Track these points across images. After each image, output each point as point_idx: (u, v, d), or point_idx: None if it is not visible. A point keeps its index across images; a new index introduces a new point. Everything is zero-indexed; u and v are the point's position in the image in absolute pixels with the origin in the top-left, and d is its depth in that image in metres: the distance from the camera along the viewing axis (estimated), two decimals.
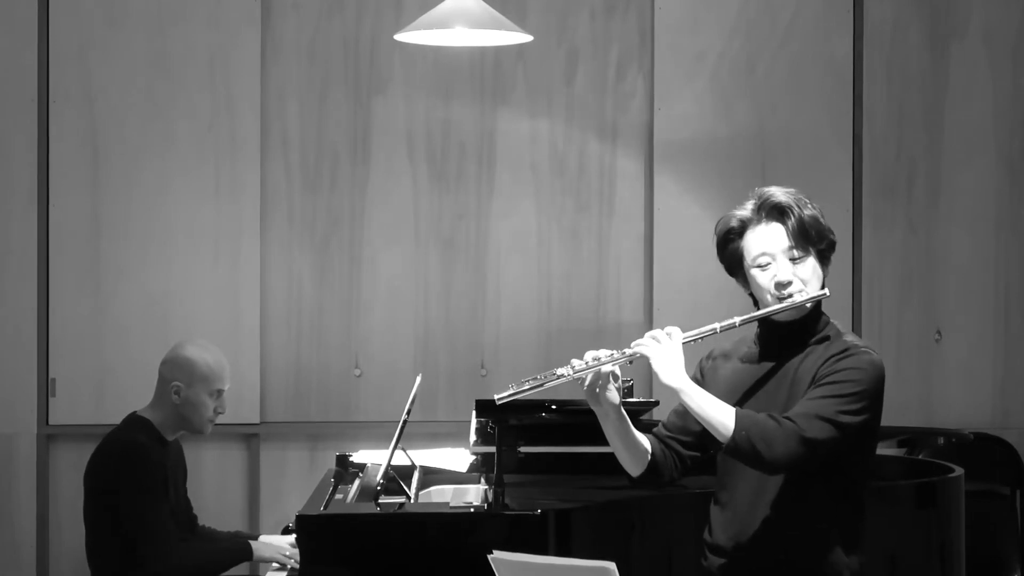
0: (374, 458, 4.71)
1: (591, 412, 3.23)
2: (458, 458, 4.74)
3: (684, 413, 3.21)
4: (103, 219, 5.60)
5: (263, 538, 4.71)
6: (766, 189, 3.23)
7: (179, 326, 5.50)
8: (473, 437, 4.51)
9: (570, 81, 5.80)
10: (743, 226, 3.22)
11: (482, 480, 4.67)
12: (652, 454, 3.26)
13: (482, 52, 5.71)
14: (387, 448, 4.32)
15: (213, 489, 5.60)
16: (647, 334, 3.16)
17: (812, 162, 5.80)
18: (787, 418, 3.07)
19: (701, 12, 5.80)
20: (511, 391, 3.18)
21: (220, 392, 4.56)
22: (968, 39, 5.87)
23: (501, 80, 5.78)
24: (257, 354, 5.64)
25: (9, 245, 5.56)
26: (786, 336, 3.21)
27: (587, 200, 5.81)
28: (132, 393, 5.03)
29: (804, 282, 3.17)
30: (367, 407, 5.72)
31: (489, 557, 3.02)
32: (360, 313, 5.74)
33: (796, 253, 3.17)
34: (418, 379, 4.64)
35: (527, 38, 4.89)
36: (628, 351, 3.15)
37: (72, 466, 5.38)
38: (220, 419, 4.62)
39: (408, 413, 4.41)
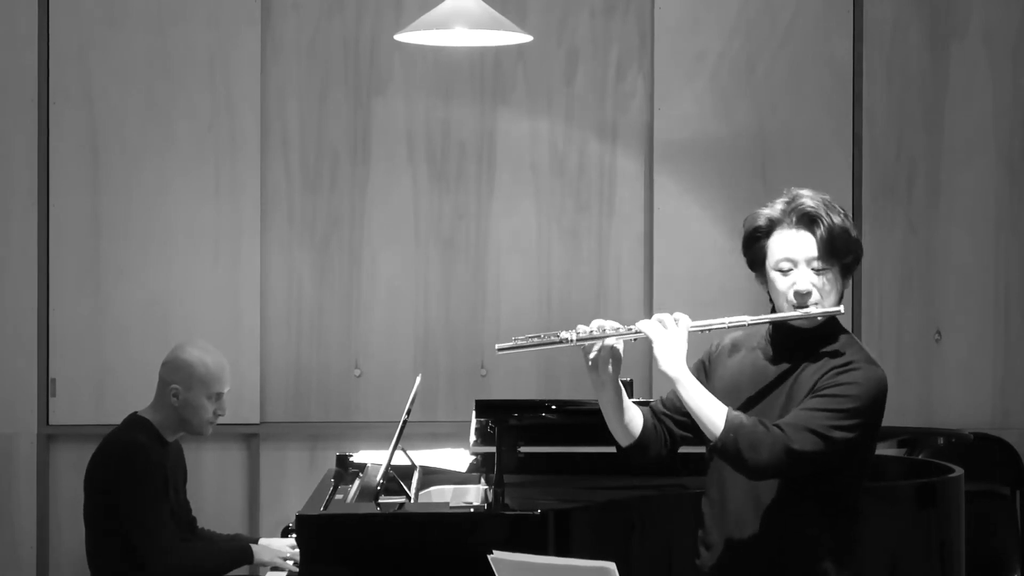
0: (374, 458, 4.71)
1: (590, 412, 3.23)
2: (458, 458, 4.74)
3: None
4: (103, 219, 5.60)
5: (263, 541, 4.71)
6: (799, 192, 3.19)
7: (179, 326, 5.50)
8: (473, 437, 4.52)
9: (570, 81, 5.80)
10: (771, 226, 3.19)
11: (482, 480, 4.67)
12: (644, 428, 3.25)
13: (482, 52, 5.71)
14: (387, 448, 4.32)
15: (213, 489, 5.60)
16: (655, 316, 3.15)
17: (812, 162, 5.80)
18: (777, 426, 3.06)
19: (701, 12, 5.80)
20: (512, 344, 3.17)
21: (219, 395, 4.56)
22: (968, 39, 5.87)
23: (501, 80, 5.78)
24: (257, 354, 5.64)
25: (9, 245, 5.56)
26: (799, 341, 3.20)
27: (587, 200, 5.81)
28: (132, 393, 5.03)
29: (822, 294, 3.14)
30: (367, 407, 5.72)
31: (489, 557, 3.02)
32: (360, 313, 5.74)
33: (820, 264, 3.14)
34: (418, 379, 4.65)
35: (527, 38, 4.89)
36: (634, 328, 3.14)
37: (72, 466, 5.38)
38: (220, 420, 4.62)
39: (408, 413, 4.41)
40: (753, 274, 3.27)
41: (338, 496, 4.38)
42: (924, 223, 5.88)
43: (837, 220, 3.14)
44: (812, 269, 3.14)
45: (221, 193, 5.64)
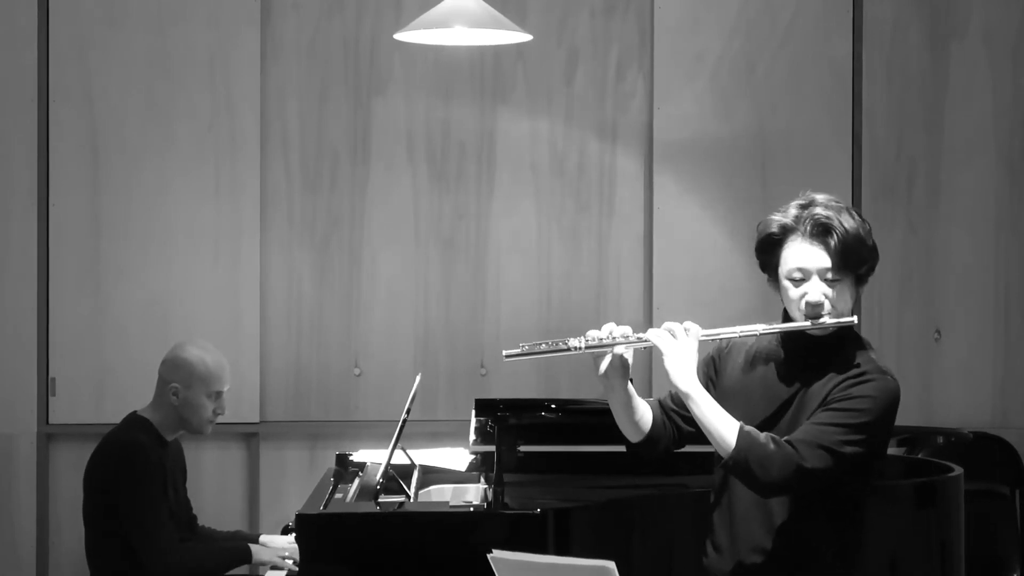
0: (374, 457, 4.71)
1: (590, 411, 3.24)
2: (458, 457, 4.74)
3: None
4: (103, 219, 5.60)
5: (263, 538, 4.72)
6: (814, 198, 3.14)
7: (179, 326, 5.50)
8: (473, 436, 4.52)
9: (570, 81, 5.80)
10: (784, 234, 3.14)
11: (482, 479, 4.67)
12: (652, 423, 3.26)
13: (482, 52, 5.71)
14: (387, 447, 4.32)
15: (213, 489, 5.60)
16: (664, 325, 3.14)
17: (812, 162, 5.80)
18: (789, 442, 3.05)
19: (701, 12, 5.80)
20: (519, 350, 3.17)
21: (219, 393, 4.56)
22: (968, 39, 5.87)
23: (501, 80, 5.78)
24: (257, 354, 5.64)
25: (9, 245, 5.56)
26: (811, 349, 3.17)
27: (587, 200, 5.81)
28: (132, 393, 5.03)
29: (835, 305, 3.10)
30: (367, 407, 5.72)
31: (489, 557, 3.02)
32: (360, 313, 5.74)
33: (832, 276, 3.10)
34: (418, 379, 4.65)
35: (527, 38, 4.89)
36: (643, 336, 3.13)
37: (72, 466, 5.38)
38: (220, 419, 4.62)
39: (408, 412, 4.41)
40: (764, 277, 3.24)
41: (338, 495, 4.38)
42: (924, 223, 5.87)
43: (852, 229, 3.09)
44: (824, 280, 3.10)
45: (221, 193, 5.64)
